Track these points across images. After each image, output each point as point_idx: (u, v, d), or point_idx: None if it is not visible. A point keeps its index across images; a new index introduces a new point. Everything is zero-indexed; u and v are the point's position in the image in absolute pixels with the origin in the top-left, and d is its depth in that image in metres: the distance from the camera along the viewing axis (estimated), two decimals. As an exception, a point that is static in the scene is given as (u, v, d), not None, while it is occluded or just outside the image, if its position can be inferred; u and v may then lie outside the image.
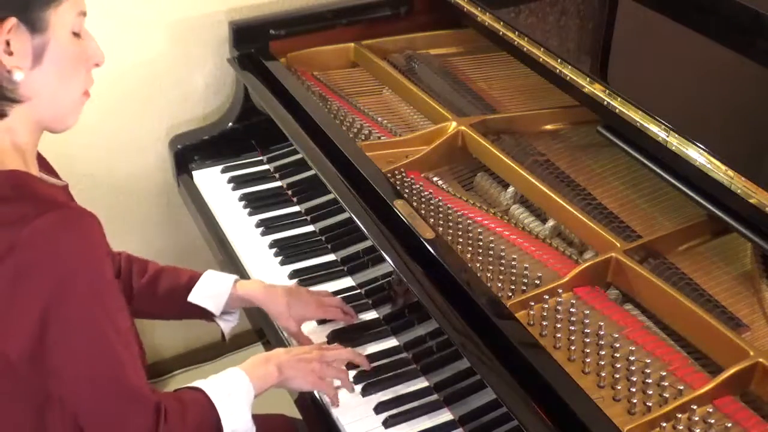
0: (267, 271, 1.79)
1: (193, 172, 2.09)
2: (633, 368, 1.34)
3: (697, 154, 1.42)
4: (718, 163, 1.39)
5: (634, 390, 1.31)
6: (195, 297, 1.60)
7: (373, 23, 2.18)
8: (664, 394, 1.30)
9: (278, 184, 2.02)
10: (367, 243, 1.64)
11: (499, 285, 1.51)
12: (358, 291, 1.72)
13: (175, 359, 2.43)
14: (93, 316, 1.19)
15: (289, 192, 1.99)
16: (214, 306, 1.61)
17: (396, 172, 1.75)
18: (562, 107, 1.87)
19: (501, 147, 1.78)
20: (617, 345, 1.38)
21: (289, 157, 1.98)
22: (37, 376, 1.20)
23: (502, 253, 1.57)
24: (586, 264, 1.49)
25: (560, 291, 1.46)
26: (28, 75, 1.19)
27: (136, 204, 2.29)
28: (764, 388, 1.30)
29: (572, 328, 1.41)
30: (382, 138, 1.87)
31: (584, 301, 1.47)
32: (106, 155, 2.18)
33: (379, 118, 1.95)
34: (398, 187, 1.67)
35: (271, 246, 1.84)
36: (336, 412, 1.48)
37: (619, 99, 1.57)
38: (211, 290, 1.61)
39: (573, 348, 1.38)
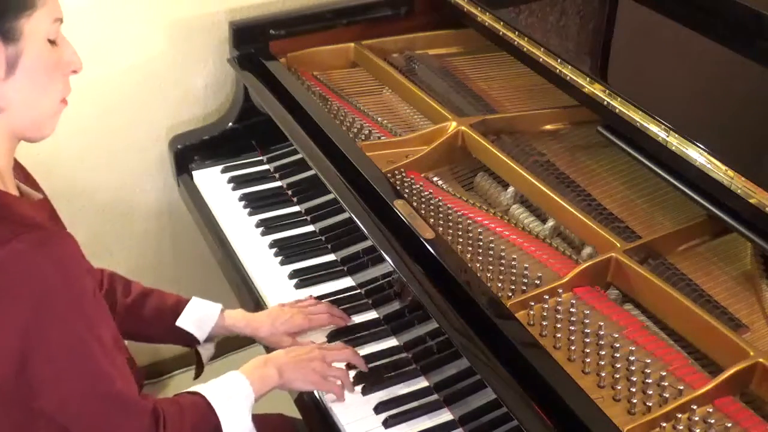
0: (267, 271, 1.79)
1: (193, 172, 2.09)
2: (633, 368, 1.34)
3: (697, 154, 1.42)
4: (718, 163, 1.39)
5: (634, 390, 1.31)
6: (183, 322, 1.59)
7: (373, 23, 2.17)
8: (664, 394, 1.30)
9: (278, 184, 2.02)
10: (367, 243, 1.64)
11: (499, 285, 1.51)
12: (358, 291, 1.72)
13: (175, 359, 2.43)
14: (74, 332, 1.18)
15: (289, 192, 1.99)
16: (199, 333, 1.60)
17: (396, 172, 1.75)
18: (562, 107, 1.87)
19: (501, 147, 1.78)
20: (617, 345, 1.38)
21: (289, 157, 1.98)
22: (23, 397, 1.19)
23: (502, 253, 1.57)
24: (586, 264, 1.49)
25: (560, 291, 1.46)
26: (1, 86, 1.16)
27: (136, 204, 2.29)
28: (764, 388, 1.30)
29: (572, 328, 1.41)
30: (382, 138, 1.87)
31: (584, 301, 1.47)
32: (106, 155, 2.18)
33: (379, 118, 1.95)
34: (398, 187, 1.67)
35: (271, 246, 1.84)
36: (336, 412, 1.48)
37: (619, 99, 1.57)
38: (199, 316, 1.60)
39: (573, 348, 1.38)
